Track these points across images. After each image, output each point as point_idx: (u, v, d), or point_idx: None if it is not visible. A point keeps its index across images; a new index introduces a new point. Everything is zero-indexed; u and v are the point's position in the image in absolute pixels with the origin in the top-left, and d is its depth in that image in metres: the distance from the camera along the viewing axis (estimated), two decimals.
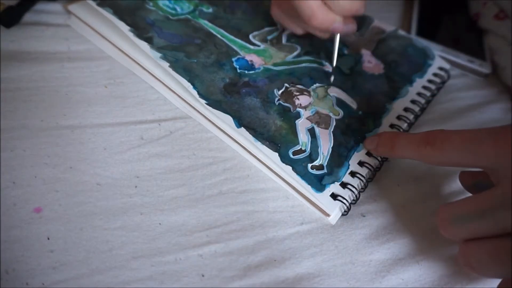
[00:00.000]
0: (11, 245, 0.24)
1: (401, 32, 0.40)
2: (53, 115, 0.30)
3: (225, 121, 0.29)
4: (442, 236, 0.24)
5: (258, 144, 0.29)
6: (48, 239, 0.24)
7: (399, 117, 0.33)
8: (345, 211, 0.28)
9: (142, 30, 0.33)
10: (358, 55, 0.37)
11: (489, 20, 0.43)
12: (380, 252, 0.26)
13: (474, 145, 0.23)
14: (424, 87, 0.36)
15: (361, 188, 0.29)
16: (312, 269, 0.25)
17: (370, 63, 0.37)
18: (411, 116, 0.34)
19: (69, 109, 0.30)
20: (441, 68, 0.38)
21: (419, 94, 0.36)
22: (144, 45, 0.32)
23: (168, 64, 0.31)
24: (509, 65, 0.39)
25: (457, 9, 0.47)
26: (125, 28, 0.33)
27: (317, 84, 0.34)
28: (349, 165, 0.29)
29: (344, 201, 0.27)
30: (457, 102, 0.38)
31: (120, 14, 0.33)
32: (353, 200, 0.28)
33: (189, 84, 0.30)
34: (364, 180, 0.29)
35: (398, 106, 0.34)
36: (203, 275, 0.24)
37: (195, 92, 0.30)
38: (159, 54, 0.31)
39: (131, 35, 0.32)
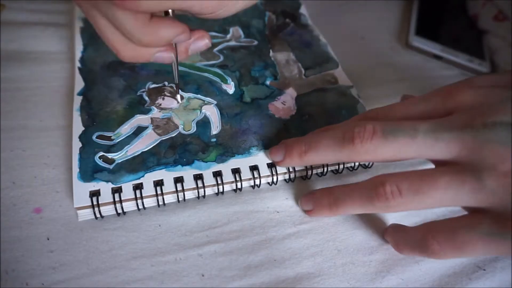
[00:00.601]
0: (11, 245, 0.24)
1: (354, 92, 0.33)
2: (53, 115, 0.30)
3: (77, 83, 0.30)
4: None
5: (77, 113, 0.29)
6: (48, 239, 0.24)
7: (253, 167, 0.28)
8: (97, 217, 0.25)
9: None
10: (278, 92, 0.33)
11: (488, 21, 0.43)
12: (380, 252, 0.26)
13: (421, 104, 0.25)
14: None
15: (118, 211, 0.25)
16: (312, 269, 0.25)
17: (283, 104, 0.32)
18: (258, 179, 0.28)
19: (69, 109, 0.30)
20: None
21: None
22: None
23: (82, 25, 0.35)
24: (509, 66, 0.39)
25: (457, 8, 0.47)
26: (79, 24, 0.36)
27: (198, 96, 0.31)
28: (142, 177, 0.26)
29: (96, 209, 0.25)
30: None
31: None
32: (99, 215, 0.25)
33: (82, 47, 0.33)
34: (141, 205, 0.26)
35: (264, 156, 0.28)
36: (203, 275, 0.24)
37: (79, 55, 0.33)
38: (83, 15, 0.33)
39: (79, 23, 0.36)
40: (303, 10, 0.41)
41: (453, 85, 0.24)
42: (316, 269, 0.25)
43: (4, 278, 0.23)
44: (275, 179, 0.28)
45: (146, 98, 0.31)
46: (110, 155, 0.27)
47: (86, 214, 0.25)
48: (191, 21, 0.36)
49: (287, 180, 0.29)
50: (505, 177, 0.20)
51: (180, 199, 0.27)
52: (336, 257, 0.26)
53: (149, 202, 0.26)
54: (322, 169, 0.29)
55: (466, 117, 0.22)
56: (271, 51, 0.36)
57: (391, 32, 0.44)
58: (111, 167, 0.26)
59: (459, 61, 0.41)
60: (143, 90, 0.31)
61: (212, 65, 0.34)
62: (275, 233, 0.26)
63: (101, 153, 0.27)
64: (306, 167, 0.28)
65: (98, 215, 0.25)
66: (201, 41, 0.27)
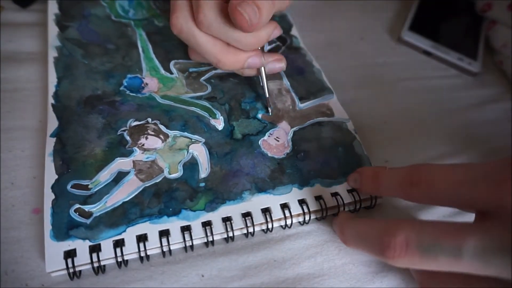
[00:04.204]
0: (11, 246, 0.24)
1: (350, 126, 0.31)
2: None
3: (50, 122, 0.28)
4: None
5: (49, 159, 0.26)
6: None
7: (246, 214, 0.26)
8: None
9: (68, 17, 0.35)
10: (270, 126, 0.30)
11: (502, 10, 0.42)
12: None
13: (466, 189, 0.20)
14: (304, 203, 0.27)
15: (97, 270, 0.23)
16: (313, 269, 0.25)
17: (277, 140, 0.30)
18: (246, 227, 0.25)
19: None
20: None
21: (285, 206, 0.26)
22: (53, 30, 0.33)
23: (56, 54, 0.32)
24: None
25: (458, 7, 0.47)
26: (53, 10, 0.35)
27: (185, 134, 0.29)
28: (123, 232, 0.24)
29: (71, 268, 0.22)
30: (456, 101, 0.37)
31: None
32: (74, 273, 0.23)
33: (55, 80, 0.30)
34: (120, 262, 0.23)
35: (258, 201, 0.26)
36: (203, 275, 0.24)
37: (53, 89, 0.30)
38: (57, 44, 0.32)
39: (52, 17, 0.34)
40: (294, 31, 0.38)
41: (501, 169, 0.20)
42: (316, 269, 0.25)
43: (4, 279, 0.23)
44: (269, 226, 0.26)
45: (128, 138, 0.28)
46: (87, 208, 0.24)
47: (57, 274, 0.23)
48: (175, 47, 0.34)
49: (283, 227, 0.27)
50: None
51: (166, 253, 0.24)
52: (336, 257, 0.26)
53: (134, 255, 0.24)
54: (323, 213, 0.27)
55: None
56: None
57: (386, 30, 0.44)
58: (88, 221, 0.24)
59: (448, 59, 0.40)
60: (124, 128, 0.28)
61: (199, 97, 0.31)
62: (275, 234, 0.26)
63: (77, 206, 0.24)
64: (303, 211, 0.26)
65: (74, 277, 0.23)
66: (278, 64, 0.31)
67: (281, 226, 0.27)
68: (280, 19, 0.39)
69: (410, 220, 0.23)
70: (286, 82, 0.34)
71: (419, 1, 0.46)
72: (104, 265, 0.23)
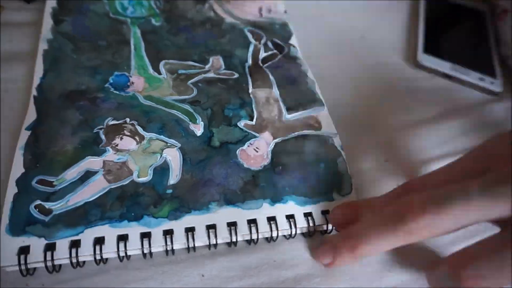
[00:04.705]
0: None
1: (337, 142, 0.30)
2: None
3: (29, 115, 0.28)
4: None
5: (19, 152, 0.26)
6: None
7: (210, 226, 0.25)
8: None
9: (65, 11, 0.35)
10: (251, 135, 0.29)
11: None
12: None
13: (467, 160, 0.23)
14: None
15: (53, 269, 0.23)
16: (312, 269, 0.25)
17: (256, 150, 0.28)
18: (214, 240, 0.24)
19: None
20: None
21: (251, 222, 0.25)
22: (48, 23, 0.34)
23: (46, 47, 0.32)
24: None
25: (465, 23, 0.44)
26: (51, 4, 0.35)
27: (161, 137, 0.28)
28: (81, 233, 0.23)
29: (23, 265, 0.22)
30: (456, 101, 0.36)
31: None
32: (28, 271, 0.22)
33: (42, 72, 0.30)
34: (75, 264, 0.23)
35: (225, 213, 0.25)
36: (203, 275, 0.24)
37: (37, 82, 0.30)
38: (49, 37, 0.33)
39: (49, 10, 0.35)
40: (293, 40, 0.37)
41: (484, 143, 0.23)
42: (315, 269, 0.25)
43: (4, 279, 0.22)
44: (234, 239, 0.25)
45: (102, 137, 0.27)
46: (48, 205, 0.24)
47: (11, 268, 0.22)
48: (167, 47, 0.34)
49: (249, 242, 0.26)
50: None
51: (123, 258, 0.24)
52: None
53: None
54: (291, 232, 0.25)
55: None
56: (251, 86, 0.33)
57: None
58: (46, 219, 0.23)
59: (470, 80, 0.37)
60: (101, 127, 0.28)
61: (183, 101, 0.31)
62: (274, 234, 0.26)
63: (38, 202, 0.24)
64: (271, 229, 0.25)
65: (27, 273, 0.22)
66: None
67: (247, 241, 0.25)
68: (281, 27, 0.38)
69: (417, 190, 0.23)
70: (275, 91, 0.33)
71: (424, 18, 0.43)
72: (60, 265, 0.23)
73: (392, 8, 0.45)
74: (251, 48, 0.36)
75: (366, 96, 0.35)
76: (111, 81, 0.31)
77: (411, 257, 0.26)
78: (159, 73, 0.32)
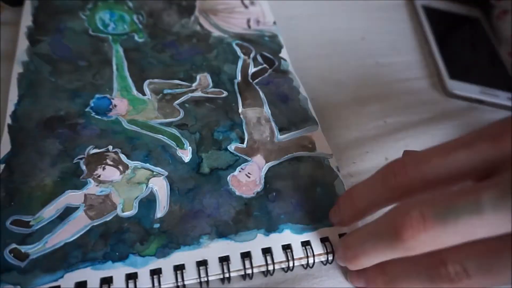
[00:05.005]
0: None
1: (333, 163, 0.28)
2: None
3: (3, 146, 0.26)
4: None
5: None
6: None
7: (201, 263, 0.23)
8: None
9: (41, 30, 0.33)
10: (243, 160, 0.28)
11: None
12: None
13: (463, 152, 0.19)
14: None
15: None
16: (312, 270, 0.25)
17: (248, 176, 0.27)
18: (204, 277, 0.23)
19: None
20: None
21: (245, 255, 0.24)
22: (23, 44, 0.31)
23: (21, 70, 0.30)
24: None
25: (466, 34, 0.43)
26: (26, 23, 0.33)
27: (147, 165, 0.26)
28: (60, 278, 0.21)
29: None
30: (456, 101, 0.36)
31: (44, 11, 0.34)
32: None
33: (16, 98, 0.28)
34: None
35: (217, 248, 0.24)
36: None
37: (12, 108, 0.27)
38: (25, 59, 0.31)
39: (24, 30, 0.32)
40: (284, 54, 0.36)
41: (497, 125, 0.19)
42: (316, 269, 0.25)
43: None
44: (226, 275, 0.23)
45: (83, 168, 0.26)
46: (24, 248, 0.22)
47: None
48: (151, 65, 0.32)
49: (244, 277, 0.24)
50: None
51: None
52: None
53: None
54: (289, 264, 0.24)
55: None
56: (241, 106, 0.31)
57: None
58: (22, 264, 0.21)
59: (500, 102, 0.36)
60: (81, 156, 0.26)
61: (169, 124, 0.29)
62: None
63: (13, 246, 0.22)
64: (266, 262, 0.24)
65: None
66: None
67: (241, 275, 0.24)
68: (270, 39, 0.37)
69: (416, 197, 0.20)
70: (267, 110, 0.31)
71: (437, 42, 0.40)
72: None
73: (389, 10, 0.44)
74: (240, 63, 0.34)
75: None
76: (92, 104, 0.29)
77: None
78: (143, 94, 0.31)
